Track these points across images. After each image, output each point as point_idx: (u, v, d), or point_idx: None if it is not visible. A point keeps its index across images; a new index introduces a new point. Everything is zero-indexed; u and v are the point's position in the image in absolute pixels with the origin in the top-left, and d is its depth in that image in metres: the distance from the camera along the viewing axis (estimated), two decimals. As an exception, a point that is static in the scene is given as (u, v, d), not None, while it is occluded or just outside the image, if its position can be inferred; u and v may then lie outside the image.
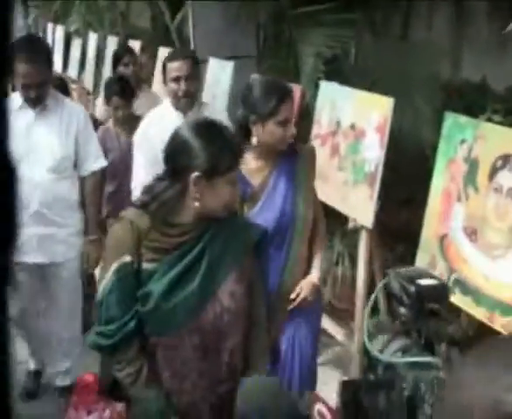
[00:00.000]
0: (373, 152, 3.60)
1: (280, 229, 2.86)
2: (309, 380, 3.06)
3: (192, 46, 7.03)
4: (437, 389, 1.31)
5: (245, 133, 2.83)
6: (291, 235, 2.90)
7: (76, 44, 10.76)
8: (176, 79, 3.61)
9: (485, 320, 2.94)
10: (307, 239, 2.98)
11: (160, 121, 3.61)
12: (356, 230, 3.74)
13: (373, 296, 1.83)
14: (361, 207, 3.67)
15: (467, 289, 3.02)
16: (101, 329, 2.17)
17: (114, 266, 2.12)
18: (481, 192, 2.98)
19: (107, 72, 9.31)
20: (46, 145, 3.50)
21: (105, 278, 2.15)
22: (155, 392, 2.22)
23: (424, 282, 1.56)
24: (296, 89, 4.40)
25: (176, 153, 2.15)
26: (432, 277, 1.64)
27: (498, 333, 2.89)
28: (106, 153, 4.22)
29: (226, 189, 2.15)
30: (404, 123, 4.49)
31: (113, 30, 9.88)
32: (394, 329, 1.58)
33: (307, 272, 3.00)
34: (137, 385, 2.21)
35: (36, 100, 3.46)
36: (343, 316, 4.65)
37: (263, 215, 2.82)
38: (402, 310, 1.52)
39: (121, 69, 5.26)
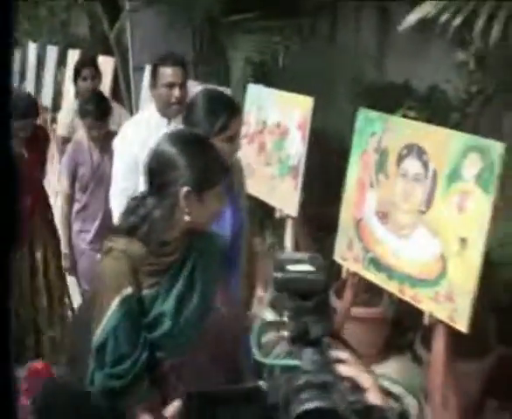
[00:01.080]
0: (296, 147, 3.91)
1: (234, 238, 2.87)
2: None
3: (130, 54, 7.24)
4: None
5: None
6: (240, 244, 2.96)
7: (15, 54, 10.84)
8: (170, 86, 3.48)
9: (397, 293, 3.26)
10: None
11: (143, 127, 3.49)
12: (283, 220, 4.04)
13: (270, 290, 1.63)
14: (286, 198, 3.97)
15: (380, 267, 3.34)
16: (111, 371, 2.01)
17: (117, 301, 1.98)
18: (391, 178, 3.31)
19: (47, 81, 9.46)
20: None
21: (105, 316, 1.99)
22: None
23: (294, 268, 1.27)
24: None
25: (163, 168, 2.06)
26: (314, 263, 1.28)
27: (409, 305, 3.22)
28: (76, 167, 4.23)
29: (215, 202, 2.12)
30: (329, 121, 4.80)
31: (52, 39, 10.01)
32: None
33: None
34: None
35: None
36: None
37: (219, 227, 2.70)
38: (286, 304, 1.27)
39: (80, 83, 5.09)
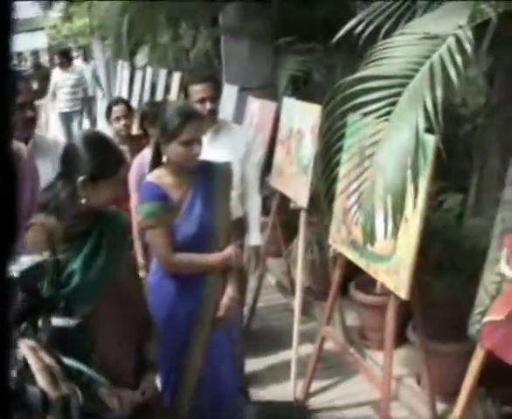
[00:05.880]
0: (308, 149, 4.58)
1: (200, 239, 3.16)
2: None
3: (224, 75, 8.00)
4: None
5: (159, 151, 3.17)
6: (209, 245, 3.21)
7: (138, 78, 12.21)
8: (201, 100, 3.89)
9: (364, 268, 3.81)
10: (223, 248, 3.27)
11: None
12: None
13: None
14: (300, 192, 4.65)
15: (356, 246, 3.90)
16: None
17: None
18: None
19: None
20: None
21: None
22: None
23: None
24: (272, 106, 5.48)
25: (69, 159, 2.55)
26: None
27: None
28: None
29: (109, 190, 2.56)
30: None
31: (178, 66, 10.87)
32: None
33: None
34: None
35: None
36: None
37: (184, 227, 3.12)
38: None
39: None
